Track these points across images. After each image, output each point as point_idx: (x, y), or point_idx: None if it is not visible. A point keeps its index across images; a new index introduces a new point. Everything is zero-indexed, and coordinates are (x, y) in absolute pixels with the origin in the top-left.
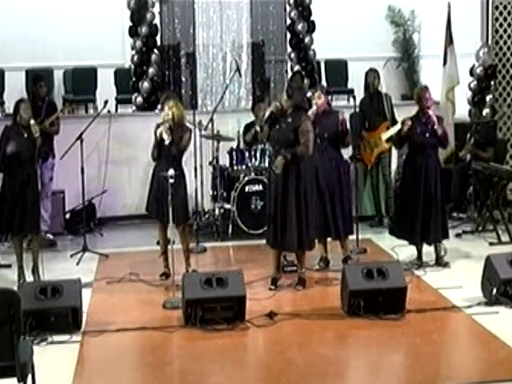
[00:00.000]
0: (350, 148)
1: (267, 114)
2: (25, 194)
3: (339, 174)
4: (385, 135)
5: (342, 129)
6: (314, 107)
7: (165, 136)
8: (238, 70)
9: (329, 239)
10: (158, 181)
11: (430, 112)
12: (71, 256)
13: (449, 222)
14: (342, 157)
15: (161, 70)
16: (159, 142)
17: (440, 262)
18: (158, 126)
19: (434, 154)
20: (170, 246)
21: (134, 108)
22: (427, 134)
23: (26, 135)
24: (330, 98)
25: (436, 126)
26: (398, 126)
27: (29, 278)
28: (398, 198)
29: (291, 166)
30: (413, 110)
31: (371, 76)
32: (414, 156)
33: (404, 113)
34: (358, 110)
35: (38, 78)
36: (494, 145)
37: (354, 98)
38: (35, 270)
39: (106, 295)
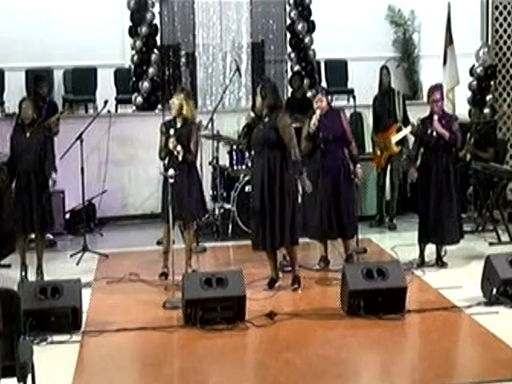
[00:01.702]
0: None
1: (242, 127)
2: (30, 194)
3: (344, 174)
4: (395, 138)
5: (342, 129)
6: (318, 112)
7: (179, 149)
8: (238, 69)
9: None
10: (164, 181)
11: (435, 117)
12: (71, 256)
13: None
14: (346, 156)
15: (161, 70)
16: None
17: (438, 263)
18: (164, 125)
19: (446, 155)
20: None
21: (134, 108)
22: (436, 135)
23: (28, 135)
24: (330, 98)
25: (440, 131)
26: (408, 129)
27: (31, 277)
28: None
29: (275, 166)
30: (412, 110)
31: (382, 73)
32: (426, 157)
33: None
34: (371, 108)
35: (39, 79)
36: (494, 145)
37: (354, 97)
38: (39, 271)
39: (106, 295)
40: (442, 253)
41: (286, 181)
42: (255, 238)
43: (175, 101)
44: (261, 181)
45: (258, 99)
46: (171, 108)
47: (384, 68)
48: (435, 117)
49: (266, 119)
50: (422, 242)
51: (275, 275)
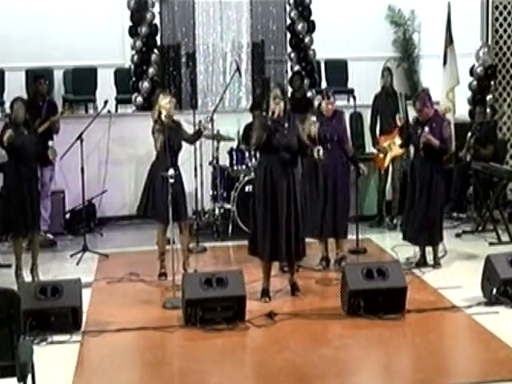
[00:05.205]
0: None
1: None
2: (31, 193)
3: (343, 174)
4: (399, 140)
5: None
6: (317, 125)
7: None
8: (238, 69)
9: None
10: (161, 181)
11: (426, 129)
12: (71, 256)
13: (449, 222)
14: (343, 156)
15: (161, 70)
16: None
17: (432, 263)
18: (156, 124)
19: (432, 158)
20: (168, 246)
21: (134, 108)
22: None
23: (26, 132)
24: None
25: (431, 142)
26: None
27: (27, 277)
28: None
29: (282, 174)
30: (411, 110)
31: (384, 75)
32: (414, 157)
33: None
34: (370, 106)
35: (38, 77)
36: (493, 143)
37: (354, 98)
38: (34, 270)
39: (106, 295)
40: (440, 253)
41: (297, 186)
42: (260, 246)
43: (173, 100)
44: (266, 189)
45: (281, 104)
46: (170, 107)
47: (386, 69)
48: (426, 129)
49: (286, 124)
50: (409, 241)
51: (267, 285)
